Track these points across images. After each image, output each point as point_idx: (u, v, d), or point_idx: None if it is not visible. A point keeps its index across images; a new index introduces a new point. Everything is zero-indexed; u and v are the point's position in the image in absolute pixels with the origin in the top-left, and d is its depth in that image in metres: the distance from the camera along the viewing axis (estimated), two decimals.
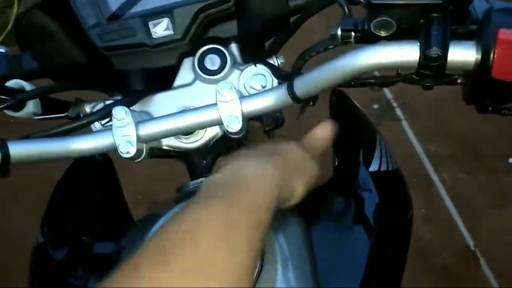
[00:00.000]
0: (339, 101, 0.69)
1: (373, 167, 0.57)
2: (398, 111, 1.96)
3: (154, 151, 0.51)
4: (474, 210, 1.64)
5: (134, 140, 0.46)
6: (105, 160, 0.64)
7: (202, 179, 0.55)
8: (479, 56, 0.36)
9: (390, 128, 1.87)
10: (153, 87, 0.53)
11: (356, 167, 0.58)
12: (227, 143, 0.55)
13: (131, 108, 0.48)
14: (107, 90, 0.56)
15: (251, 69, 0.52)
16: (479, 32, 0.37)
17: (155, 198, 1.62)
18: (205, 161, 0.56)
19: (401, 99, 1.98)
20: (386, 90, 2.02)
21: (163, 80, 0.53)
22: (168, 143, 0.53)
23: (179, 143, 0.53)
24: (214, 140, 0.53)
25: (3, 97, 0.50)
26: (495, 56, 0.35)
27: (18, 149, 0.45)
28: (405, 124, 1.91)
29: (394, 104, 1.98)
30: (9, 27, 2.82)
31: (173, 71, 0.53)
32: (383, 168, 0.57)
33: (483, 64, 0.36)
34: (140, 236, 0.49)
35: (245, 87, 0.52)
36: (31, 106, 0.53)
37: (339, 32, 0.42)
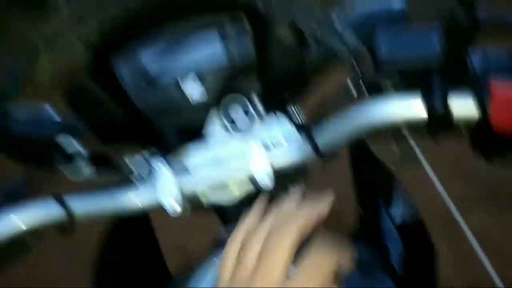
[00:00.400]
0: (359, 150, 0.72)
1: (394, 215, 0.59)
2: (420, 156, 1.97)
3: (192, 204, 0.56)
4: (503, 255, 1.60)
5: (177, 195, 0.51)
6: (144, 219, 0.68)
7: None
8: (479, 110, 0.39)
9: (412, 173, 1.87)
10: (186, 140, 0.58)
11: (379, 217, 0.60)
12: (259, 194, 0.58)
13: (168, 160, 0.52)
14: (144, 144, 0.61)
15: (272, 118, 0.56)
16: (477, 85, 0.39)
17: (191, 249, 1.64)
18: (238, 212, 0.58)
19: (423, 142, 2.00)
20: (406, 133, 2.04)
21: (194, 133, 0.58)
22: (204, 197, 0.57)
23: (214, 197, 0.57)
24: (248, 194, 0.57)
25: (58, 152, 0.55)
26: (492, 107, 0.37)
27: (80, 207, 0.50)
28: (427, 167, 1.92)
29: (416, 151, 2.00)
30: (41, 79, 3.01)
31: (203, 125, 0.58)
32: (404, 217, 0.59)
33: (483, 115, 0.39)
34: None
35: (267, 135, 0.55)
36: (88, 168, 0.58)
37: (351, 87, 0.47)
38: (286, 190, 0.60)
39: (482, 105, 0.38)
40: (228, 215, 0.59)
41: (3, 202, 0.50)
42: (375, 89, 0.45)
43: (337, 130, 0.47)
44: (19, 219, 0.48)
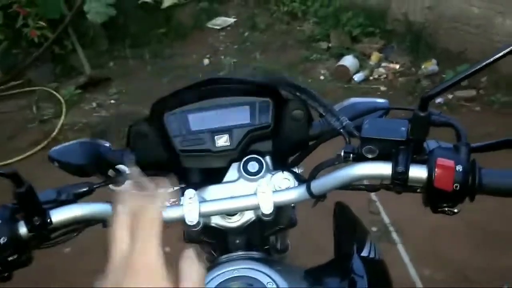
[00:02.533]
0: (340, 210, 0.88)
1: (364, 253, 0.72)
2: (394, 235, 2.09)
3: (205, 226, 0.68)
4: None
5: (197, 213, 0.64)
6: None
7: (234, 253, 0.71)
8: (427, 174, 0.54)
9: (387, 250, 1.98)
10: (208, 180, 0.72)
11: (351, 257, 0.73)
12: (258, 227, 0.72)
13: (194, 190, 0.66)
14: (174, 180, 0.75)
15: (280, 174, 0.70)
16: (428, 159, 0.56)
17: None
18: (237, 240, 0.72)
19: (398, 224, 2.13)
20: (384, 215, 2.18)
21: (215, 176, 0.72)
22: (215, 220, 0.70)
23: (223, 221, 0.70)
24: (248, 222, 0.70)
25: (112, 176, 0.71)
26: (436, 174, 0.54)
27: None
28: (400, 247, 2.03)
29: (391, 228, 2.12)
30: (53, 134, 3.16)
31: (223, 171, 0.72)
32: (371, 256, 0.72)
33: (430, 179, 0.54)
34: None
35: (274, 186, 0.69)
36: (128, 185, 0.71)
37: (342, 154, 0.61)
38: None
39: (430, 173, 0.54)
40: (228, 240, 0.72)
41: (72, 198, 0.63)
42: (359, 157, 0.60)
43: (329, 182, 0.62)
44: (79, 210, 0.61)
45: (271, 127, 0.72)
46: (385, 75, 3.37)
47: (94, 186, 0.68)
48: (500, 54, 0.48)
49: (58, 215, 0.59)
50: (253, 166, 0.70)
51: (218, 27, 4.57)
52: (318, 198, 0.66)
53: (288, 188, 0.67)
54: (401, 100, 3.01)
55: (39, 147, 3.07)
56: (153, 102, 0.73)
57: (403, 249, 2.02)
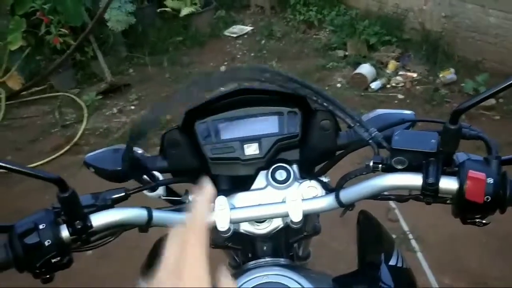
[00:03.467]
0: (365, 218, 0.90)
1: (392, 263, 0.74)
2: (414, 243, 2.10)
3: (234, 232, 0.69)
4: None
5: (228, 219, 0.66)
6: None
7: (261, 260, 0.73)
8: (458, 185, 0.56)
9: (406, 258, 1.99)
10: (236, 188, 0.73)
11: (378, 266, 0.74)
12: (284, 234, 0.73)
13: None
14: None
15: (307, 183, 0.71)
16: (458, 172, 0.57)
17: None
18: (265, 247, 0.74)
19: (417, 232, 2.14)
20: (402, 222, 2.19)
21: (243, 184, 0.74)
22: (244, 227, 0.71)
23: (252, 228, 0.71)
24: (277, 229, 0.72)
25: (147, 181, 0.73)
26: (467, 186, 0.55)
27: (157, 215, 0.65)
28: (420, 255, 2.03)
29: (410, 236, 2.13)
30: (75, 139, 3.23)
31: (251, 179, 0.74)
32: (399, 265, 0.74)
33: (460, 191, 0.55)
34: None
35: (302, 195, 0.68)
36: (161, 190, 0.75)
37: (371, 164, 0.63)
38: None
39: (461, 185, 0.56)
40: (256, 246, 0.74)
41: (110, 203, 0.65)
42: (388, 167, 0.62)
43: (358, 191, 0.63)
44: (117, 215, 0.63)
45: (299, 137, 0.73)
46: (402, 84, 3.38)
47: (130, 192, 0.69)
48: None
49: (98, 220, 0.61)
50: (280, 175, 0.71)
51: (235, 35, 4.63)
52: (346, 207, 0.67)
53: (317, 197, 0.69)
54: (419, 109, 3.01)
55: (61, 151, 3.13)
56: (185, 110, 0.75)
57: (422, 257, 2.02)
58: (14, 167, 0.54)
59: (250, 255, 0.75)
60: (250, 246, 0.75)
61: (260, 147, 0.73)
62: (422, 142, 0.59)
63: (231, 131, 0.74)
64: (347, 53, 3.84)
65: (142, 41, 4.41)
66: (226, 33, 4.70)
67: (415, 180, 0.58)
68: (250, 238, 0.73)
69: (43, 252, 0.56)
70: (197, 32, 4.63)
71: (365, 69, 3.44)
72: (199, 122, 0.74)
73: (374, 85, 3.37)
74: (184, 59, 4.24)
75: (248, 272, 0.66)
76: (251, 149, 0.73)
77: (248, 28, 4.73)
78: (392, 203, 2.18)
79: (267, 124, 0.74)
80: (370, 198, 0.65)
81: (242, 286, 0.63)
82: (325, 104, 0.67)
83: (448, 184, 0.57)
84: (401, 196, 0.67)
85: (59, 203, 0.59)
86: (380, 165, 0.62)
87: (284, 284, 0.62)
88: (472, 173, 0.55)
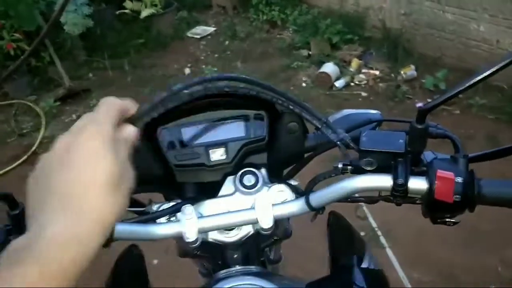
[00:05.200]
0: (335, 219, 0.89)
1: (364, 265, 0.73)
2: (382, 239, 2.12)
3: (203, 241, 0.66)
4: None
5: (196, 229, 0.63)
6: (140, 254, 0.83)
7: (232, 268, 0.70)
8: (428, 186, 0.56)
9: (376, 254, 2.00)
10: (202, 195, 0.70)
11: (351, 269, 0.73)
12: (256, 240, 0.71)
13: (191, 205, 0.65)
14: (169, 195, 0.74)
15: (276, 187, 0.69)
16: (427, 171, 0.57)
17: None
18: (235, 255, 0.71)
19: (385, 228, 2.16)
20: (371, 219, 2.21)
21: (210, 191, 0.71)
22: (213, 236, 0.69)
23: (221, 237, 0.69)
24: (246, 236, 0.69)
25: None
26: (436, 186, 0.55)
27: (119, 229, 0.61)
28: (389, 251, 2.05)
29: (379, 233, 2.15)
30: (34, 148, 3.09)
31: (218, 185, 0.71)
32: (371, 267, 0.72)
33: (430, 191, 0.55)
34: None
35: (271, 199, 0.67)
36: None
37: (340, 166, 0.61)
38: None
39: (430, 185, 0.55)
40: (227, 255, 0.71)
41: None
42: (357, 169, 0.61)
43: (328, 194, 0.62)
44: None
45: (266, 140, 0.71)
46: (365, 81, 3.42)
47: None
48: (502, 64, 0.49)
49: None
50: (249, 179, 0.69)
51: (198, 36, 4.57)
52: (317, 211, 0.65)
53: (286, 202, 0.67)
54: (382, 105, 3.06)
55: (19, 161, 2.99)
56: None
57: (391, 252, 2.05)
58: None
59: (220, 263, 0.73)
60: (220, 255, 0.72)
61: (226, 152, 0.70)
62: (389, 143, 0.59)
63: (195, 136, 0.71)
64: (311, 52, 3.86)
65: (101, 45, 4.28)
66: (189, 34, 4.63)
67: (384, 181, 0.58)
68: (219, 247, 0.71)
69: None
70: (159, 34, 4.53)
71: (329, 68, 3.47)
72: (162, 128, 0.70)
73: (338, 84, 3.40)
74: (146, 62, 4.15)
75: (219, 283, 0.64)
76: (217, 154, 0.71)
77: (211, 29, 4.69)
78: None
79: (233, 128, 0.71)
80: (340, 201, 0.64)
81: None
82: (291, 106, 0.64)
83: (417, 184, 0.56)
84: (371, 197, 0.66)
85: (8, 220, 0.55)
86: (349, 167, 0.61)
87: None
88: (440, 172, 0.54)
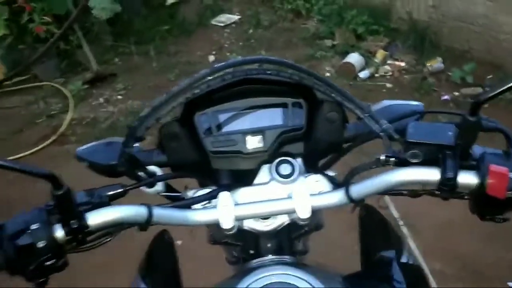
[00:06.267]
0: (367, 212, 0.86)
1: (403, 260, 0.71)
2: (405, 229, 2.12)
3: (238, 229, 0.65)
4: None
5: (233, 217, 0.62)
6: (171, 239, 0.86)
7: (265, 257, 0.70)
8: (478, 181, 0.53)
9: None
10: (237, 183, 0.70)
11: (390, 264, 0.70)
12: (288, 231, 0.70)
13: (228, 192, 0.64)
14: (204, 181, 0.74)
15: (313, 177, 0.68)
16: (477, 166, 0.54)
17: None
18: (269, 244, 0.71)
19: (407, 219, 2.16)
20: (392, 209, 2.21)
21: (244, 179, 0.69)
22: (248, 224, 0.68)
23: (256, 225, 0.68)
24: (281, 226, 0.69)
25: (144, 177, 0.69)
26: (489, 180, 0.52)
27: (157, 213, 0.61)
28: (410, 242, 2.06)
29: (401, 223, 2.15)
30: (62, 129, 3.17)
31: (253, 173, 0.69)
32: (410, 263, 0.71)
33: (481, 186, 0.53)
34: None
35: (308, 190, 0.64)
36: (159, 186, 0.71)
37: (382, 157, 0.59)
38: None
39: (482, 180, 0.53)
40: (260, 244, 0.71)
41: (106, 201, 0.60)
42: (401, 161, 0.59)
43: (370, 186, 0.61)
44: (115, 213, 0.58)
45: (304, 129, 0.70)
46: (390, 73, 3.39)
47: (127, 188, 0.64)
48: None
49: (95, 218, 0.56)
50: (285, 169, 0.68)
51: (222, 24, 4.58)
52: (356, 203, 0.63)
53: (326, 192, 0.65)
54: (408, 97, 3.02)
55: (48, 141, 3.07)
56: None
57: (413, 243, 2.05)
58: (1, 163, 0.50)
59: (251, 252, 0.72)
60: (253, 243, 0.72)
61: (263, 140, 0.70)
62: (438, 135, 0.57)
63: (232, 123, 0.70)
64: (335, 43, 3.83)
65: (128, 30, 4.32)
66: (214, 22, 4.64)
67: (432, 174, 0.56)
68: (252, 235, 0.70)
69: (36, 255, 0.52)
70: (184, 21, 4.56)
71: (354, 58, 3.45)
72: (199, 114, 0.70)
73: (363, 74, 3.38)
74: (171, 48, 4.18)
75: (253, 272, 0.62)
76: (254, 142, 0.70)
77: (236, 17, 4.69)
78: None
79: (270, 116, 0.71)
80: (382, 193, 0.63)
81: (249, 287, 0.59)
82: (333, 94, 0.63)
83: (467, 179, 0.55)
84: (415, 191, 0.64)
85: (52, 201, 0.54)
86: (392, 159, 0.59)
87: (293, 284, 0.59)
88: (494, 167, 0.53)
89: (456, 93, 3.03)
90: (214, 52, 4.08)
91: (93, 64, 3.71)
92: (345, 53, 3.58)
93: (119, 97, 3.54)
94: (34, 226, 0.52)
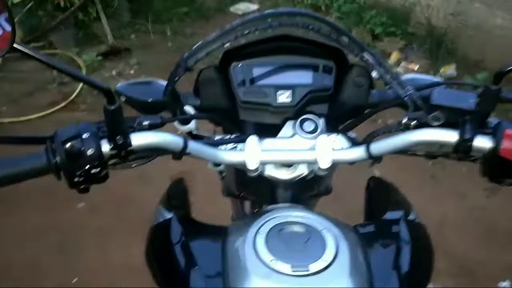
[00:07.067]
0: (375, 183, 0.88)
1: (411, 217, 0.73)
2: None
3: (254, 177, 0.68)
4: None
5: (259, 159, 0.65)
6: (185, 186, 0.89)
7: (281, 204, 0.71)
8: (493, 144, 0.57)
9: None
10: (263, 131, 0.72)
11: (398, 220, 0.71)
12: (302, 186, 0.73)
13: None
14: (230, 130, 0.76)
15: (334, 136, 0.71)
16: (493, 132, 0.58)
17: None
18: (285, 194, 0.73)
19: None
20: None
21: (269, 133, 0.73)
22: (269, 172, 0.71)
23: (276, 173, 0.71)
24: (299, 177, 0.71)
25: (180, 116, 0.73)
26: (503, 143, 0.56)
27: (191, 145, 0.63)
28: None
29: None
30: (72, 96, 3.20)
31: (277, 129, 0.72)
32: (417, 220, 0.73)
33: (495, 148, 0.56)
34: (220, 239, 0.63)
35: (329, 143, 0.67)
36: (192, 124, 0.74)
37: (405, 121, 0.62)
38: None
39: (497, 142, 0.57)
40: (278, 191, 0.73)
41: (147, 128, 0.62)
42: (421, 125, 0.61)
43: (389, 144, 0.63)
44: (156, 137, 0.60)
45: (331, 91, 0.73)
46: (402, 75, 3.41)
47: (166, 120, 0.66)
48: None
49: (137, 139, 0.59)
50: (309, 126, 0.70)
51: (240, 13, 4.59)
52: (375, 159, 0.66)
53: (346, 148, 0.68)
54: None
55: (58, 106, 3.10)
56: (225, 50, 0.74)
57: None
58: (66, 70, 0.54)
59: (266, 202, 0.74)
60: (270, 192, 0.74)
61: (292, 96, 0.73)
62: (460, 100, 0.60)
63: (265, 77, 0.74)
64: None
65: (146, 9, 4.34)
66: (232, 9, 4.66)
67: (450, 136, 0.59)
68: (271, 184, 0.73)
69: (85, 161, 0.55)
70: (202, 5, 4.58)
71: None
72: (235, 64, 0.74)
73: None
74: (187, 30, 4.20)
75: (269, 212, 0.63)
76: (284, 97, 0.73)
77: (254, 7, 4.70)
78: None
79: (301, 74, 0.74)
80: (400, 152, 0.65)
81: (264, 224, 0.60)
82: (365, 57, 0.65)
83: (482, 142, 0.58)
84: (432, 152, 0.67)
85: (104, 115, 0.57)
86: (412, 122, 0.62)
87: (307, 225, 0.60)
88: (509, 131, 0.56)
89: None
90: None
91: (109, 38, 3.74)
92: None
93: (132, 71, 3.57)
94: (85, 135, 0.55)
